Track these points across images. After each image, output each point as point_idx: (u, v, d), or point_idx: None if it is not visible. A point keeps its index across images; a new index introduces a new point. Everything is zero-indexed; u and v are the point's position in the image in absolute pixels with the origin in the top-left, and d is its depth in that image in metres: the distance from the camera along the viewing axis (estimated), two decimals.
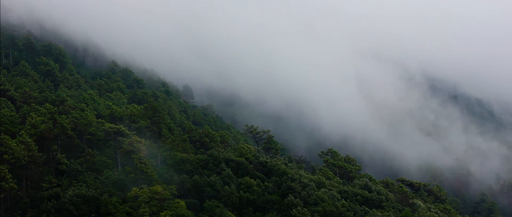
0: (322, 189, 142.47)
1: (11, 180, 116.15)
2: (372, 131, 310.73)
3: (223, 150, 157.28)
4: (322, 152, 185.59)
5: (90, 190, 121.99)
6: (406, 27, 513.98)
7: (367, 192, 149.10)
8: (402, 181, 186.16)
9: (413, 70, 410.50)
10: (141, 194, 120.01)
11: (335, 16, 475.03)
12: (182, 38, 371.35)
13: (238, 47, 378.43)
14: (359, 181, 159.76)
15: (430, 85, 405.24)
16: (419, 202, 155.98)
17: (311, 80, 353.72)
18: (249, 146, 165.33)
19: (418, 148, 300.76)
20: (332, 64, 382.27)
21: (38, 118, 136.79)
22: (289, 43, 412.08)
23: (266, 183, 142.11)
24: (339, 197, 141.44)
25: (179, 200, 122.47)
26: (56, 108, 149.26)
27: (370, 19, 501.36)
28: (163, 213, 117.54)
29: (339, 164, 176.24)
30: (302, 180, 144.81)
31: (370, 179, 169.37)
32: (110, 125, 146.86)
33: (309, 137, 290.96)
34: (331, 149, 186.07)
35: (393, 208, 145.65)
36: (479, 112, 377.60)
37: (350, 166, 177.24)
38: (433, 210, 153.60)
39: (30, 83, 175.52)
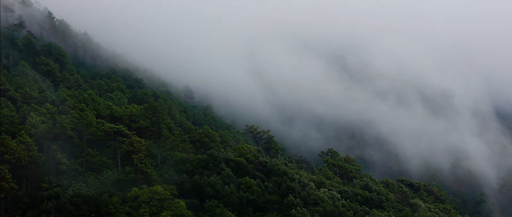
0: (322, 189, 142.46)
1: (11, 180, 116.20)
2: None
3: (223, 150, 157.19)
4: (322, 152, 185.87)
5: (90, 190, 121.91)
6: None
7: (367, 192, 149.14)
8: (402, 181, 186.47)
9: None
10: (141, 194, 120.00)
11: None
12: (182, 38, 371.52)
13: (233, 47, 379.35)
14: (359, 181, 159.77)
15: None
16: (420, 202, 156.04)
17: None
18: (249, 146, 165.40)
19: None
20: None
21: (38, 118, 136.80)
22: None
23: (266, 183, 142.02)
24: (339, 197, 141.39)
25: (179, 200, 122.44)
26: (56, 108, 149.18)
27: None
28: (163, 213, 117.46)
29: (339, 164, 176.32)
30: (302, 180, 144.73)
31: (370, 179, 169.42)
32: (110, 125, 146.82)
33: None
34: (331, 149, 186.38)
35: (393, 208, 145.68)
36: (479, 112, 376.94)
37: (350, 166, 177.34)
38: (433, 210, 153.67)
39: (30, 83, 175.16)
